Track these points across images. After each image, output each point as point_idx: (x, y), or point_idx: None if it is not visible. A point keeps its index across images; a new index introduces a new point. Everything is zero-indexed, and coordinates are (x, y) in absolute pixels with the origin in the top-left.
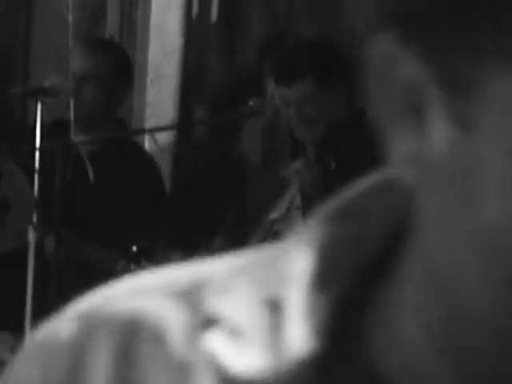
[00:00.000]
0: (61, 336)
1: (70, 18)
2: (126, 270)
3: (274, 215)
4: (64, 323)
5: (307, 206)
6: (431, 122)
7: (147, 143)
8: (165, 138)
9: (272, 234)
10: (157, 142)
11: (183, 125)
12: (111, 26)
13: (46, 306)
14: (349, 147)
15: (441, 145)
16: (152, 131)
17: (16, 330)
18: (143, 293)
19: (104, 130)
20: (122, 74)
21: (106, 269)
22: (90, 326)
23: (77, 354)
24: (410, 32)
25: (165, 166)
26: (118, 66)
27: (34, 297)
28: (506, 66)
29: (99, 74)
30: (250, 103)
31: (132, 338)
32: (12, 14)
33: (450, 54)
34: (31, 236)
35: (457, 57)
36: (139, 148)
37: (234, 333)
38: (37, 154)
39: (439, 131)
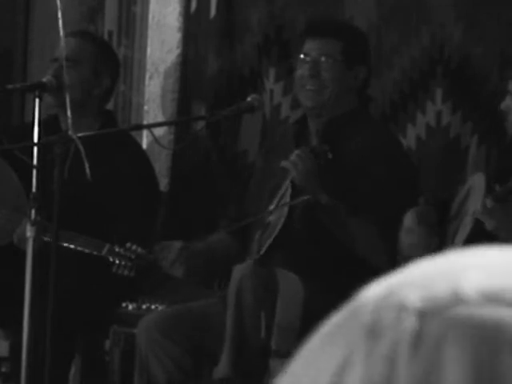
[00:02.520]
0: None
1: (60, 13)
2: (111, 253)
3: (271, 207)
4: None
5: (299, 202)
6: None
7: (145, 139)
8: (164, 133)
9: (265, 225)
10: (155, 138)
11: (183, 121)
12: (110, 22)
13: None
14: (347, 138)
15: None
16: (151, 127)
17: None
18: (499, 300)
19: (93, 123)
20: (105, 64)
21: (93, 253)
22: (444, 323)
23: (432, 347)
24: None
25: (163, 162)
26: (102, 55)
27: (32, 293)
28: None
29: (81, 59)
30: (249, 99)
31: (495, 346)
32: (10, 11)
33: None
34: (29, 232)
35: None
36: (130, 141)
37: None
38: (35, 149)
39: None
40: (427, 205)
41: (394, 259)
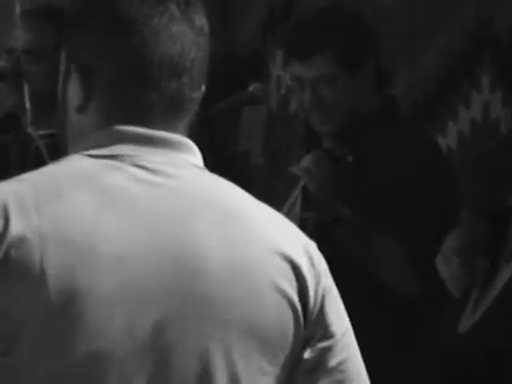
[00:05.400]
0: None
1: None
2: None
3: None
4: None
5: (315, 217)
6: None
7: None
8: None
9: None
10: None
11: None
12: None
13: None
14: (372, 140)
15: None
16: None
17: None
18: None
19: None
20: None
21: None
22: None
23: None
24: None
25: None
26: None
27: None
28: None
29: (43, 49)
30: (251, 88)
31: None
32: None
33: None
34: None
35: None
36: None
37: None
38: None
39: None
40: (471, 220)
41: (426, 288)
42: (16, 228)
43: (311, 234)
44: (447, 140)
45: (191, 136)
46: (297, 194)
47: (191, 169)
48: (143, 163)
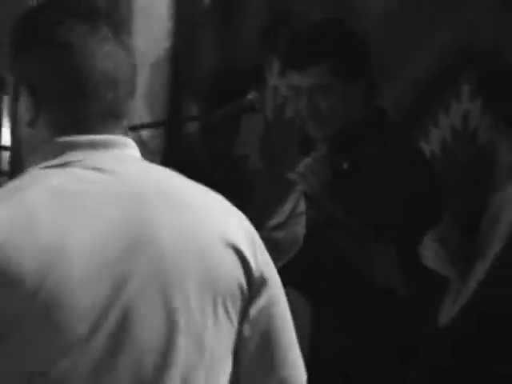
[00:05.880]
0: None
1: None
2: None
3: (274, 222)
4: None
5: (313, 210)
6: None
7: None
8: (151, 135)
9: (271, 241)
10: (143, 142)
11: (173, 121)
12: None
13: None
14: (365, 147)
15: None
16: (136, 129)
17: None
18: None
19: None
20: None
21: None
22: None
23: None
24: None
25: None
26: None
27: None
28: None
29: None
30: (249, 97)
31: None
32: None
33: None
34: None
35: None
36: None
37: None
38: None
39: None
40: (451, 224)
41: (414, 289)
42: None
43: (307, 236)
44: (430, 145)
45: (194, 142)
46: (299, 195)
47: (136, 161)
48: (90, 164)
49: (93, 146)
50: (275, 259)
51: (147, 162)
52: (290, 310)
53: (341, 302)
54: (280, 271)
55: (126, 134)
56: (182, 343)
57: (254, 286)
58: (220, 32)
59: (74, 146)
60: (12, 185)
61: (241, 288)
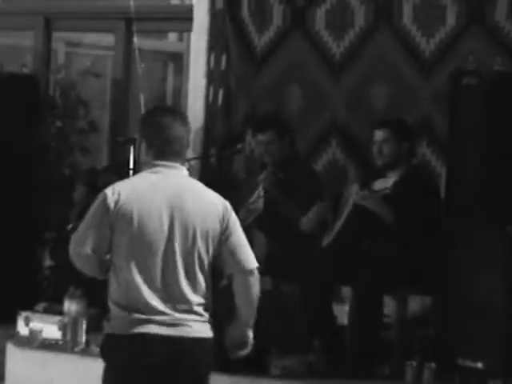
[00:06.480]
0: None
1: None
2: None
3: (250, 201)
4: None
5: (267, 197)
6: None
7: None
8: (195, 164)
9: (249, 210)
10: (191, 166)
11: (204, 156)
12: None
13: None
14: (289, 167)
15: None
16: (188, 160)
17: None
18: None
19: None
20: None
21: None
22: None
23: None
24: None
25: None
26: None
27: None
28: None
29: None
30: (239, 146)
31: None
32: None
33: None
34: None
35: None
36: None
37: None
38: None
39: None
40: (328, 203)
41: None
42: (122, 198)
43: (265, 203)
44: (318, 166)
45: (209, 168)
46: (260, 189)
47: (182, 175)
48: (162, 173)
49: (166, 166)
50: (249, 217)
51: (188, 176)
52: (252, 240)
53: (279, 235)
54: (252, 222)
55: (183, 163)
56: (195, 246)
57: (225, 226)
58: (226, 115)
59: (159, 166)
60: (133, 177)
61: (219, 228)
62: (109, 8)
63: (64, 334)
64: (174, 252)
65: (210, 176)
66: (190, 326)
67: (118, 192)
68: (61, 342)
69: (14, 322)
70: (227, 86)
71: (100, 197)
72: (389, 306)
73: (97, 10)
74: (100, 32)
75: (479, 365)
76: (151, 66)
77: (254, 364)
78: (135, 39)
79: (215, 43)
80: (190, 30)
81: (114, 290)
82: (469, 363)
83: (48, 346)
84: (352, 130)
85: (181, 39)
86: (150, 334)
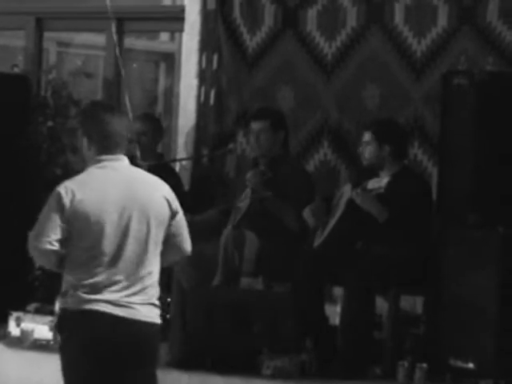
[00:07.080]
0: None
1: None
2: None
3: (240, 199)
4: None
5: (253, 196)
6: None
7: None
8: (185, 164)
9: (238, 207)
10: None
11: (196, 156)
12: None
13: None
14: (279, 166)
15: None
16: (175, 161)
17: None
18: None
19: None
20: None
21: None
22: None
23: None
24: None
25: (185, 180)
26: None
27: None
28: None
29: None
30: (230, 146)
31: None
32: None
33: None
34: None
35: None
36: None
37: None
38: None
39: None
40: (320, 202)
41: (301, 229)
42: (76, 197)
43: (255, 203)
44: (310, 167)
45: (201, 168)
46: (249, 188)
47: (126, 166)
48: (109, 167)
49: (110, 160)
50: (237, 214)
51: (133, 167)
52: (244, 240)
53: (270, 236)
54: (241, 222)
55: (124, 154)
56: (150, 234)
57: (172, 214)
58: (218, 116)
59: (104, 160)
60: (81, 174)
61: (168, 215)
62: (100, 8)
63: (55, 335)
64: (132, 241)
65: (201, 176)
66: (139, 310)
67: (72, 190)
68: (52, 343)
69: (5, 323)
70: (219, 86)
71: (54, 196)
72: (380, 306)
73: (88, 10)
74: (91, 32)
75: (470, 365)
76: (143, 66)
77: (246, 364)
78: (114, 37)
79: (207, 43)
80: (181, 31)
81: (68, 279)
82: (460, 363)
83: (39, 346)
84: (344, 130)
85: (172, 39)
86: (99, 312)
